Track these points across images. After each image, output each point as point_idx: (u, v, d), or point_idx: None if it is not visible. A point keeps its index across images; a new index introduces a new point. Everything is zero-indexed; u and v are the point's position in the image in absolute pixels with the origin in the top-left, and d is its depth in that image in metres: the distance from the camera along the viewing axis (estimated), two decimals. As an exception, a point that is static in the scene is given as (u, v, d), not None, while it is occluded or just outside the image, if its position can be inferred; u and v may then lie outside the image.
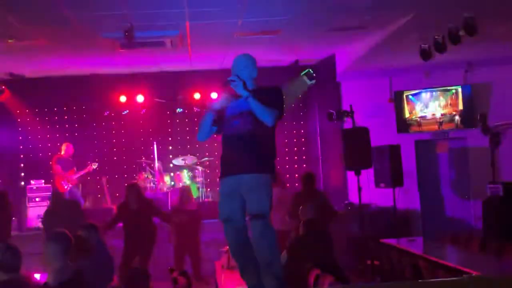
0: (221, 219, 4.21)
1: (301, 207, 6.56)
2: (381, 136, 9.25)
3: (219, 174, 4.35)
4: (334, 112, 9.03)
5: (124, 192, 8.29)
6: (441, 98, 10.23)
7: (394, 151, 8.62)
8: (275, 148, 4.30)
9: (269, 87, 4.31)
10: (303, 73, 10.84)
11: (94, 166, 10.54)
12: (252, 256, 4.16)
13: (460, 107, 10.11)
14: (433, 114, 10.28)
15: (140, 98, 11.14)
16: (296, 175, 11.43)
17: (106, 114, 11.46)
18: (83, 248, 5.05)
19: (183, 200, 8.89)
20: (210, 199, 10.86)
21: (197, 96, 11.15)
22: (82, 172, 10.48)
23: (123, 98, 11.14)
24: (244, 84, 4.13)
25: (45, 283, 4.25)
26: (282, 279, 4.14)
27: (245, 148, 4.14)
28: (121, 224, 8.10)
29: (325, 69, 10.52)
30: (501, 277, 3.83)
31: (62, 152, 10.46)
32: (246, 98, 4.10)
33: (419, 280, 5.05)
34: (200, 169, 11.11)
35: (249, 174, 4.11)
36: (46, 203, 9.94)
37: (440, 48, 7.59)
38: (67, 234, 4.55)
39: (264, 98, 4.11)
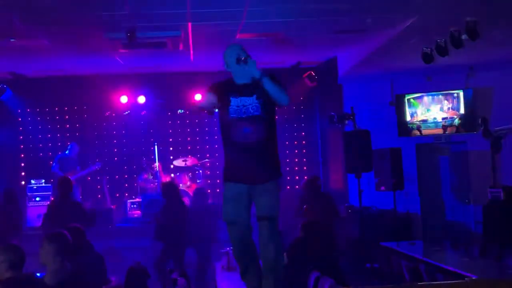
0: (227, 220, 4.12)
1: (305, 206, 6.55)
2: (382, 139, 9.25)
3: (220, 176, 4.29)
4: (335, 114, 9.04)
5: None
6: (443, 102, 10.23)
7: (395, 154, 8.62)
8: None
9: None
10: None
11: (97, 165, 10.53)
12: (255, 258, 4.14)
13: (462, 111, 10.10)
14: (434, 118, 10.28)
15: (141, 99, 11.13)
16: (297, 177, 11.42)
17: (107, 114, 11.45)
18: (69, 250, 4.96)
19: (197, 201, 8.62)
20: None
21: (198, 97, 11.13)
22: (84, 172, 10.46)
23: (124, 99, 11.12)
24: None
25: (43, 282, 4.26)
26: (282, 282, 4.12)
27: (258, 158, 4.03)
28: None
29: (327, 72, 10.51)
30: (502, 280, 3.82)
31: (67, 152, 10.48)
32: (260, 79, 3.92)
33: (419, 283, 5.04)
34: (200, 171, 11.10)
35: (262, 184, 4.04)
36: (46, 202, 9.92)
37: (442, 51, 7.59)
38: (64, 235, 4.55)
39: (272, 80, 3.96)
